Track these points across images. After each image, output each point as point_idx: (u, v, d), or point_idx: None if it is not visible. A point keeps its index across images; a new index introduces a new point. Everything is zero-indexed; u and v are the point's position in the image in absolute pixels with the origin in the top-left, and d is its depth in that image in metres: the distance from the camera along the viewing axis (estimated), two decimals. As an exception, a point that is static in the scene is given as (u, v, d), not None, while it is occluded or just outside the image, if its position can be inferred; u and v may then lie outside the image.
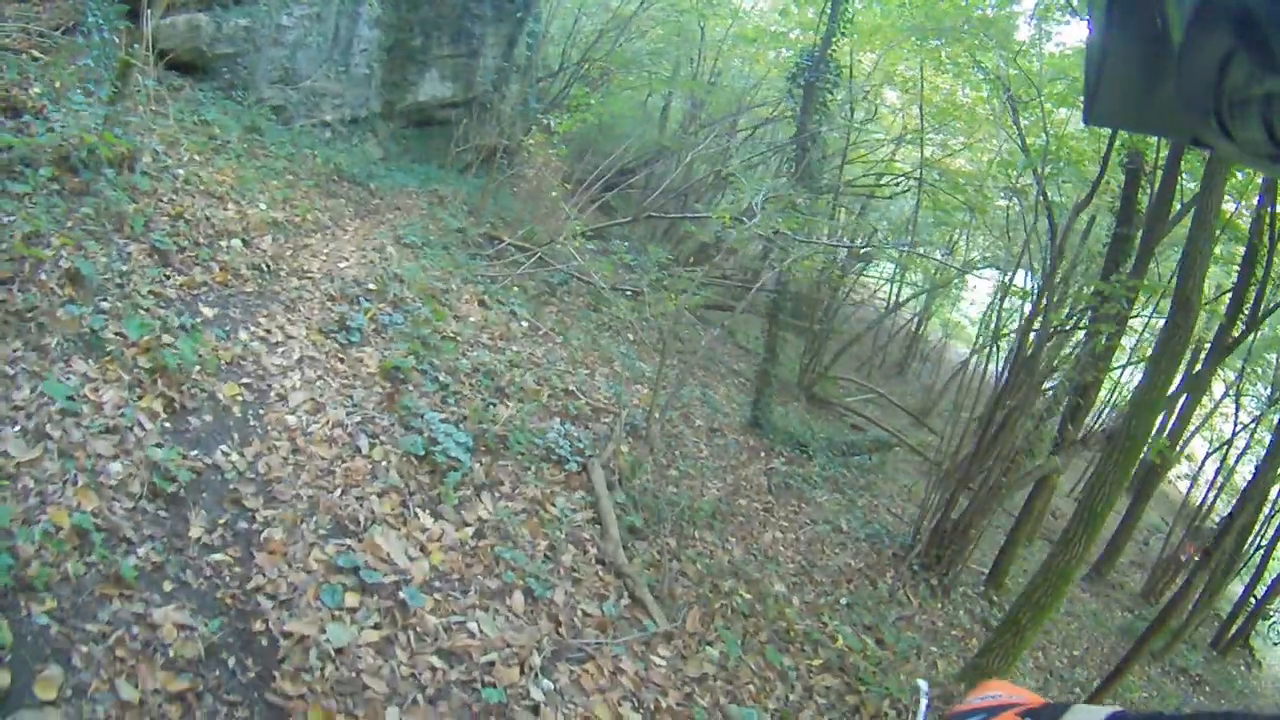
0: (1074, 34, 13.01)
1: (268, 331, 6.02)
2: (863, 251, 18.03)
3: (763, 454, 10.95)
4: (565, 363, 9.13)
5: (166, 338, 5.17)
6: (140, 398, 4.75)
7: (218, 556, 4.28)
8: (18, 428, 4.16)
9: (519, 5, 14.86)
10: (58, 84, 6.34)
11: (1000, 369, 11.74)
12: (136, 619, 3.74)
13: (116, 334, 4.96)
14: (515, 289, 10.06)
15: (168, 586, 3.98)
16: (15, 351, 4.50)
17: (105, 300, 5.13)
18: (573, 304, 11.53)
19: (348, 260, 7.62)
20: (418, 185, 11.95)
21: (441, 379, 6.78)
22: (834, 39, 12.21)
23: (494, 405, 6.97)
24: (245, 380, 5.49)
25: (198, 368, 5.14)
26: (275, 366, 5.77)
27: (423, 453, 5.80)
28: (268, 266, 6.60)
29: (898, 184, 19.92)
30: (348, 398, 5.97)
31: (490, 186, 12.63)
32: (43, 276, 4.88)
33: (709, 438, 10.27)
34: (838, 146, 16.94)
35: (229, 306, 6.00)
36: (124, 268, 5.43)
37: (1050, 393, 10.22)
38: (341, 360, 6.30)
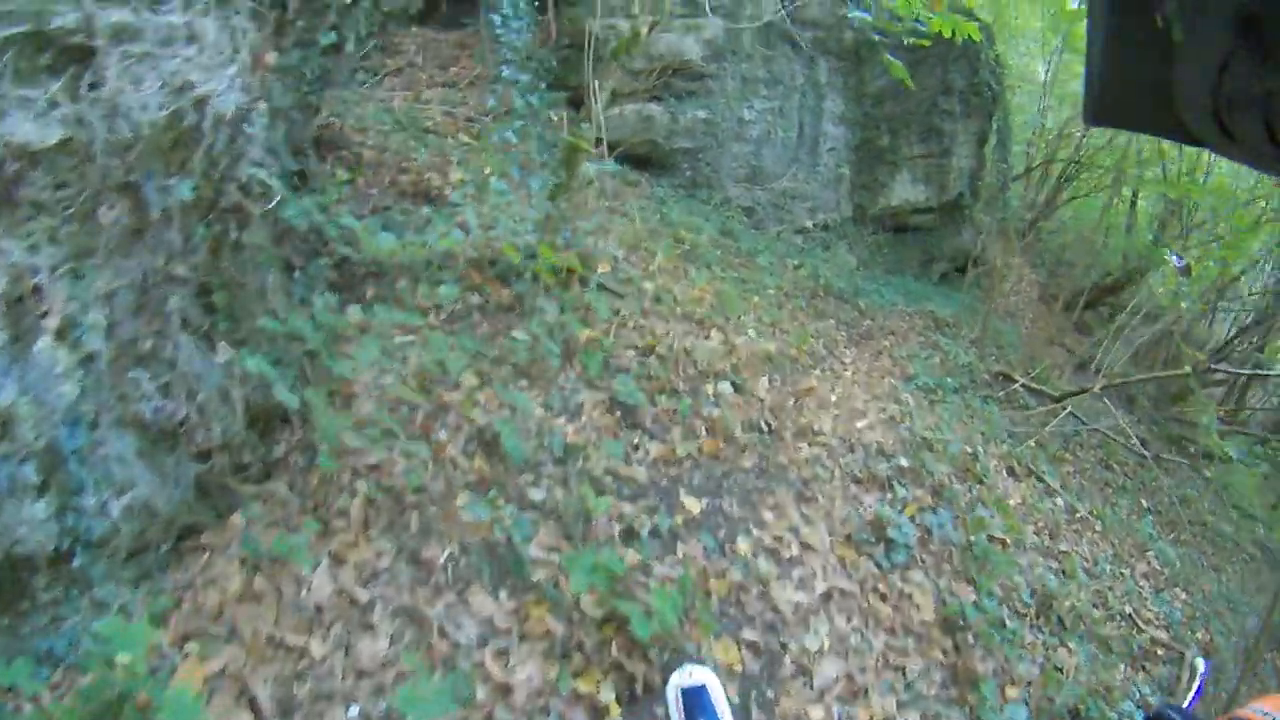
0: None
1: (777, 540, 3.60)
2: None
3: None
4: (1110, 561, 6.09)
5: (630, 554, 2.96)
6: (578, 675, 2.58)
7: None
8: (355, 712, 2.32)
9: (986, 99, 12.41)
10: (487, 170, 4.89)
11: None
12: None
13: (549, 550, 2.90)
14: (1033, 445, 7.16)
15: None
16: (380, 557, 2.66)
17: (536, 485, 3.11)
18: (1085, 460, 8.27)
19: (863, 415, 5.19)
20: (905, 302, 9.69)
21: (1007, 623, 4.10)
22: None
23: (1054, 650, 4.37)
24: (749, 636, 3.08)
25: (678, 623, 2.78)
26: (791, 606, 3.29)
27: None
28: (767, 425, 4.28)
29: None
30: (898, 671, 3.42)
31: (986, 309, 9.96)
32: (442, 435, 3.10)
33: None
34: None
35: (720, 493, 3.68)
36: (569, 430, 3.41)
37: None
38: (883, 596, 3.71)
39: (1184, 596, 6.66)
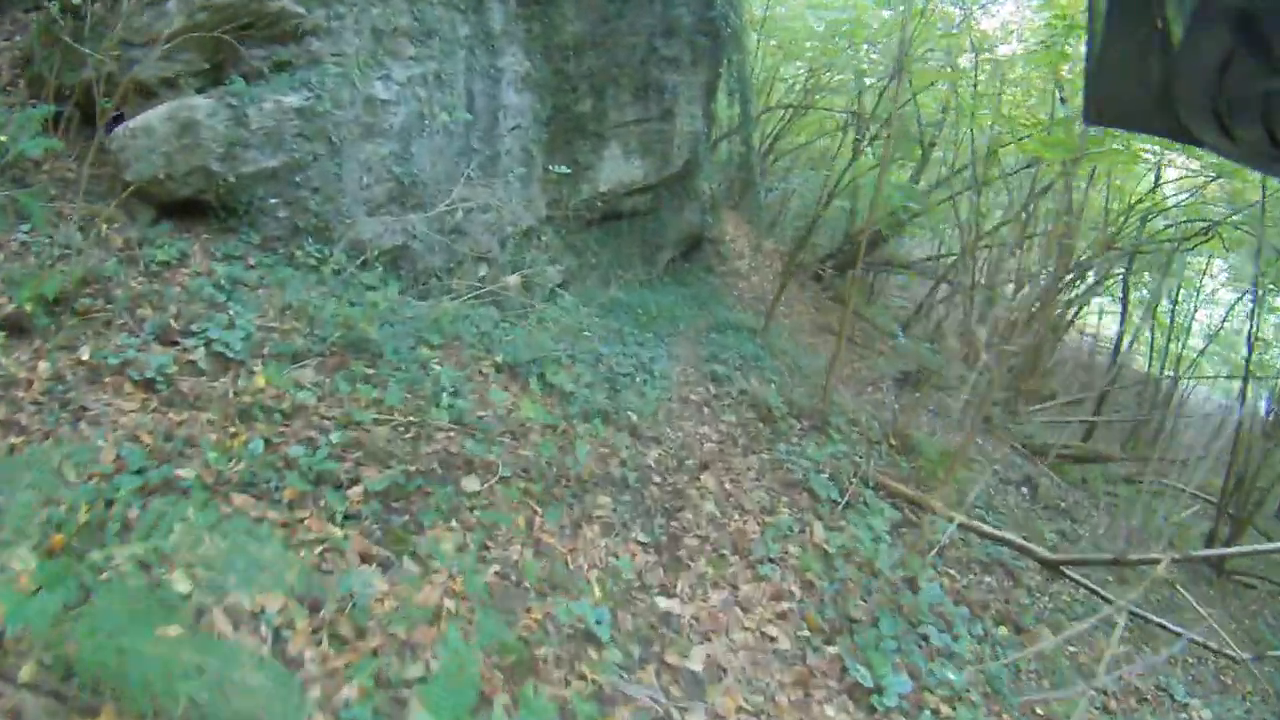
0: None
1: None
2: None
3: None
4: None
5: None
6: None
7: None
8: None
9: (724, 40, 9.72)
10: None
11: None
12: None
13: None
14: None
15: None
16: None
17: None
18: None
19: None
20: (669, 359, 6.96)
21: None
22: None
23: None
24: None
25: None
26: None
27: None
28: None
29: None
30: None
31: (823, 400, 7.33)
32: None
33: None
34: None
35: None
36: None
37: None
38: None
39: None
